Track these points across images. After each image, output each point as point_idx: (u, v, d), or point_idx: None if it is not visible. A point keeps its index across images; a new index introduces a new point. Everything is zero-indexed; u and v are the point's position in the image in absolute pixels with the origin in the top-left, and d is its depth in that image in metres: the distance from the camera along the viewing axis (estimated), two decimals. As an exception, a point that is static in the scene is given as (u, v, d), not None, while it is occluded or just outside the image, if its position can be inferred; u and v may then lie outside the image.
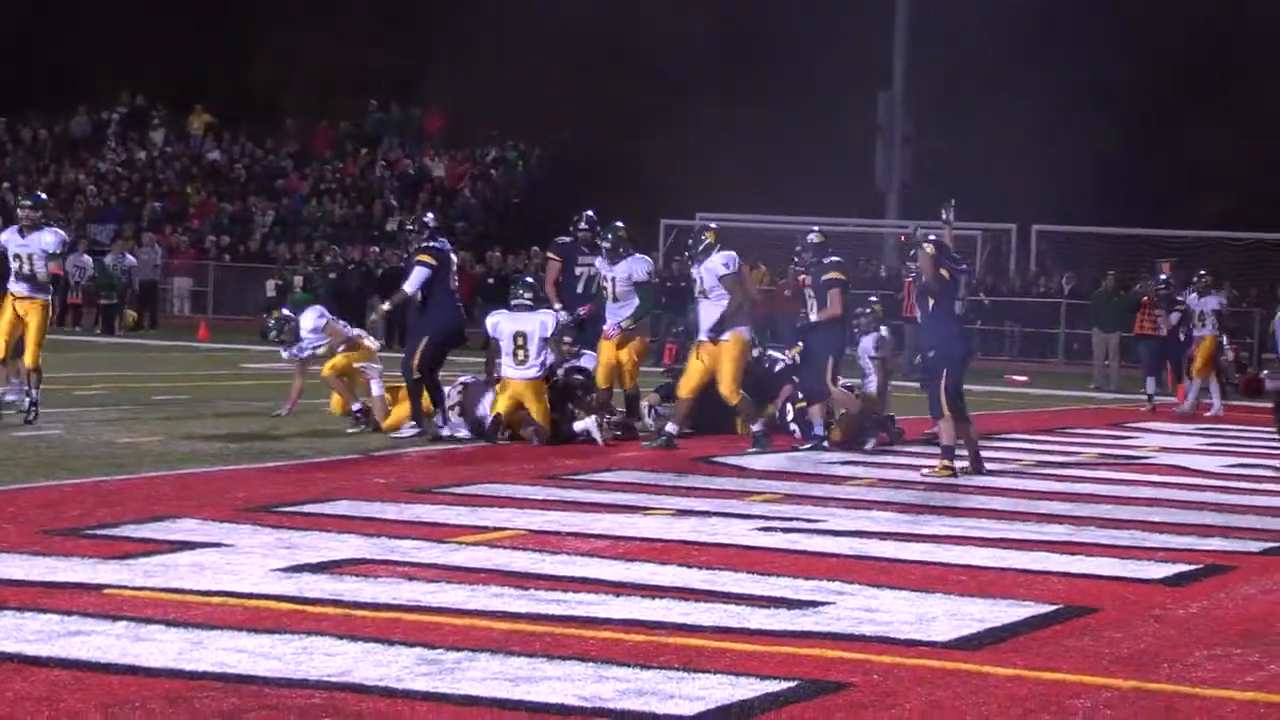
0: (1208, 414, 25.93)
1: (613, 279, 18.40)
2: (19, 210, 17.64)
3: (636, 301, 18.27)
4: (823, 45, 42.89)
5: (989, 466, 16.36)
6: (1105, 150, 41.55)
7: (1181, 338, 27.03)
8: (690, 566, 10.27)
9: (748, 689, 7.40)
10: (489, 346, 17.79)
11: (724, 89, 44.19)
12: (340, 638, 8.02)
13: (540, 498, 13.25)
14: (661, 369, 23.97)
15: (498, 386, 17.51)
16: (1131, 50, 42.59)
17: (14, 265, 17.11)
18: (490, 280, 36.50)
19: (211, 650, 7.72)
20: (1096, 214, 39.62)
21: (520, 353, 17.18)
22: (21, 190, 49.56)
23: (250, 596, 8.91)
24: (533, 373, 17.23)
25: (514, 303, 17.58)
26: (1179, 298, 27.31)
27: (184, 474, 13.95)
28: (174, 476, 13.77)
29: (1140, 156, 43.30)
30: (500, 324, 17.41)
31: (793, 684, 7.52)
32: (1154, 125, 43.74)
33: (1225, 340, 27.92)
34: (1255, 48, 44.84)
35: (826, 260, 17.86)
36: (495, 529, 11.51)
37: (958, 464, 15.70)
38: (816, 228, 18.98)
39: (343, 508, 12.32)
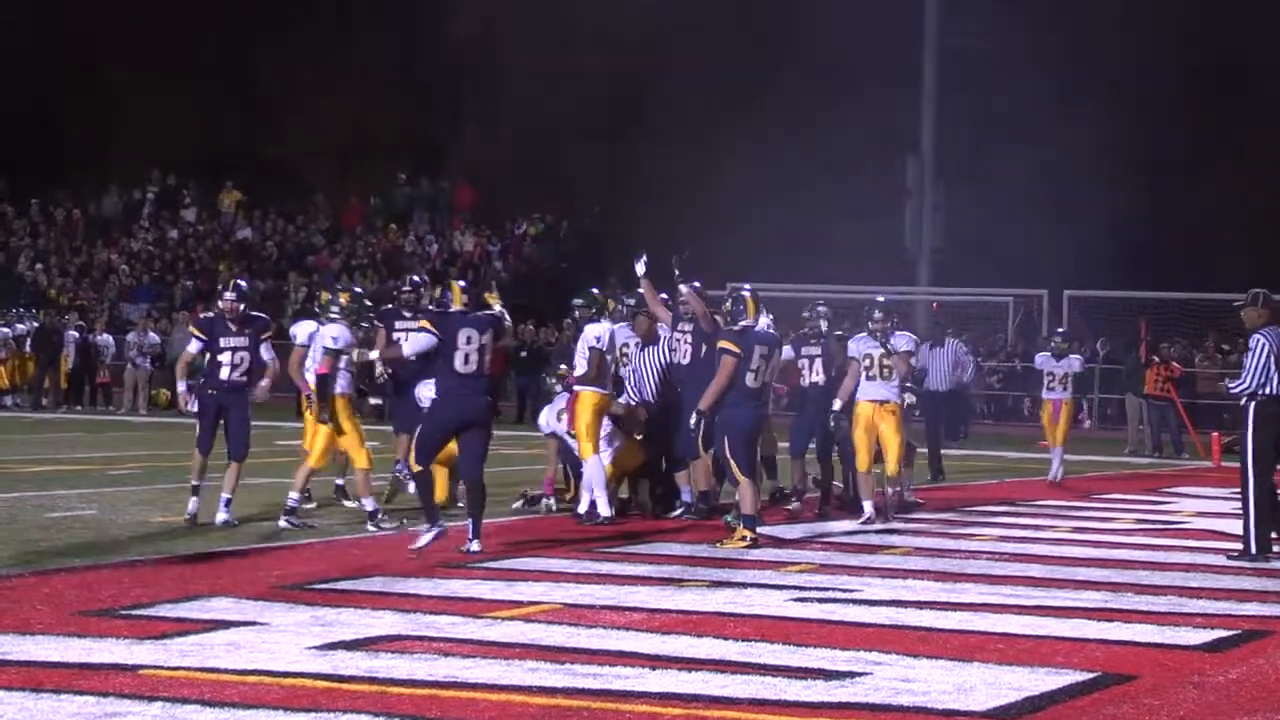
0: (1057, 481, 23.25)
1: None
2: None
3: None
4: (844, 109, 42.84)
5: (1022, 534, 16.23)
6: (1131, 210, 41.35)
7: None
8: (726, 638, 10.24)
9: (786, 762, 7.39)
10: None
11: (749, 151, 44.16)
12: (377, 715, 8.01)
13: (575, 571, 13.22)
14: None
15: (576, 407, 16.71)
16: (1151, 103, 42.41)
17: (342, 364, 15.80)
18: (523, 354, 36.43)
19: (248, 730, 7.71)
20: (1126, 277, 39.40)
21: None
22: (55, 269, 49.83)
23: (286, 675, 8.91)
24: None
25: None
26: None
27: (218, 553, 13.95)
28: (208, 555, 13.77)
29: (1167, 215, 43.10)
30: (609, 336, 16.84)
31: (831, 756, 7.49)
32: (1179, 181, 43.51)
33: (1084, 404, 27.06)
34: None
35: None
36: (530, 603, 11.48)
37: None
38: (823, 302, 18.44)
39: (377, 584, 12.31)
